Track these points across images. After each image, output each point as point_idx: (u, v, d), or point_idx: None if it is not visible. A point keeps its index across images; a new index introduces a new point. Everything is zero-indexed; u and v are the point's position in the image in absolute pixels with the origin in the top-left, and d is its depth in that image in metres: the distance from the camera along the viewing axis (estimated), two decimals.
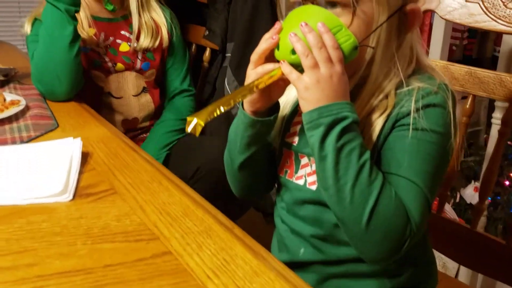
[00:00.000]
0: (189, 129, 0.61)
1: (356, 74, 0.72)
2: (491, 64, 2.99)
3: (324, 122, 0.65)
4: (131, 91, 1.42)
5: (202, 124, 0.61)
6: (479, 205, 1.07)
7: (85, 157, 0.87)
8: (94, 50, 1.35)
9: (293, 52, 0.66)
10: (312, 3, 0.69)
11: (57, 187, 0.73)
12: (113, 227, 0.66)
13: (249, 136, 0.77)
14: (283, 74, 0.68)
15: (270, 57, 0.70)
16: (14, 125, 1.03)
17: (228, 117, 1.47)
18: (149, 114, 1.46)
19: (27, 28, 1.32)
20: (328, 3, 0.69)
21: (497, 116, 1.61)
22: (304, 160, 0.79)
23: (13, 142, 0.94)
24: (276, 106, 0.77)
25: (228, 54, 1.48)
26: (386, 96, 0.72)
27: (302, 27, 0.66)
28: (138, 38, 1.39)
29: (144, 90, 1.44)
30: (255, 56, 0.71)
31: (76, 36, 1.21)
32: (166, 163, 1.36)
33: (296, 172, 0.80)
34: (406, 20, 0.71)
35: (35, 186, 0.75)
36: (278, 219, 0.86)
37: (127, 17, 1.40)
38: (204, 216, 0.69)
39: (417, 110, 0.68)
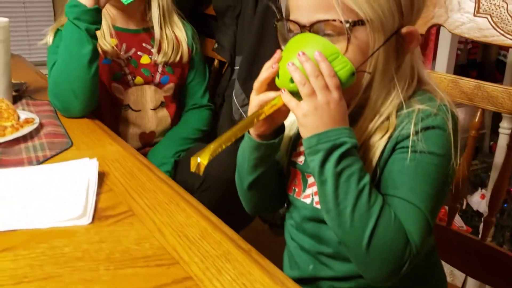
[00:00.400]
0: (193, 169, 0.63)
1: (355, 98, 0.74)
2: (496, 68, 3.00)
3: (323, 148, 0.67)
4: (149, 105, 1.44)
5: (205, 163, 0.63)
6: (489, 218, 1.08)
7: (101, 177, 0.89)
8: (115, 61, 1.37)
9: (292, 80, 0.68)
10: (310, 31, 0.71)
11: (76, 210, 0.75)
12: (133, 251, 0.67)
13: (255, 159, 0.79)
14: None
15: (272, 84, 0.72)
16: (29, 144, 1.05)
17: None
18: (165, 128, 1.48)
19: (50, 38, 1.33)
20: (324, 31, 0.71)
21: (504, 126, 1.62)
22: (311, 179, 0.80)
23: (29, 162, 0.96)
24: (281, 128, 0.79)
25: (237, 67, 1.50)
26: (387, 118, 0.73)
27: (299, 57, 0.68)
28: (159, 51, 1.41)
29: (162, 104, 1.46)
30: (257, 84, 0.73)
31: (95, 55, 1.22)
32: (174, 169, 1.37)
33: (303, 191, 0.81)
34: (403, 42, 0.73)
35: (54, 209, 0.77)
36: (288, 236, 0.87)
37: (149, 30, 1.42)
38: (221, 239, 0.70)
39: (417, 132, 0.69)
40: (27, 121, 1.11)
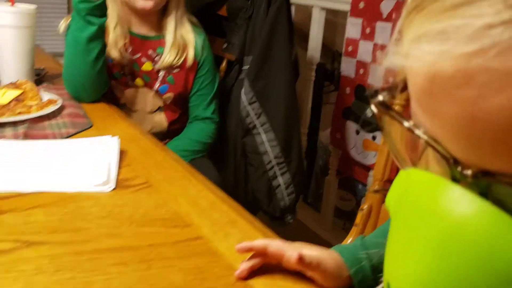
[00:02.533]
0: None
1: None
2: None
3: None
4: (146, 108, 1.47)
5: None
6: None
7: (120, 154, 0.98)
8: (117, 61, 1.40)
9: None
10: (473, 182, 0.31)
11: (101, 178, 0.84)
12: (152, 214, 0.76)
13: None
14: None
15: None
16: (53, 122, 1.14)
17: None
18: (161, 131, 1.50)
19: (61, 27, 1.37)
20: None
21: None
22: None
23: (54, 137, 1.05)
24: None
25: (245, 67, 1.59)
26: None
27: None
28: (163, 60, 1.42)
29: (159, 109, 1.49)
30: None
31: (102, 50, 1.27)
32: None
33: None
34: None
35: (81, 176, 0.86)
36: None
37: (159, 38, 1.44)
38: (229, 210, 0.80)
39: None
40: (51, 102, 1.20)
